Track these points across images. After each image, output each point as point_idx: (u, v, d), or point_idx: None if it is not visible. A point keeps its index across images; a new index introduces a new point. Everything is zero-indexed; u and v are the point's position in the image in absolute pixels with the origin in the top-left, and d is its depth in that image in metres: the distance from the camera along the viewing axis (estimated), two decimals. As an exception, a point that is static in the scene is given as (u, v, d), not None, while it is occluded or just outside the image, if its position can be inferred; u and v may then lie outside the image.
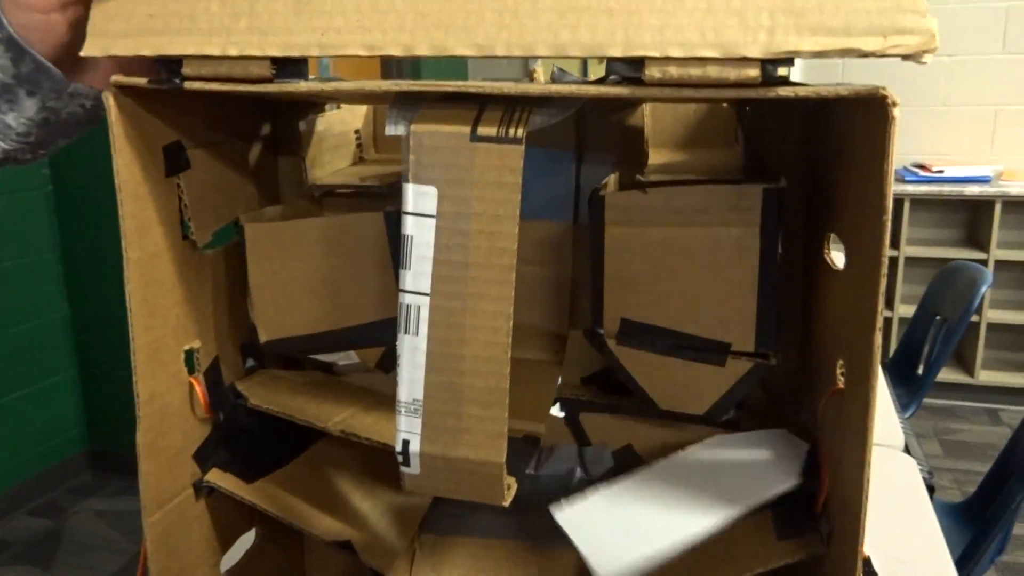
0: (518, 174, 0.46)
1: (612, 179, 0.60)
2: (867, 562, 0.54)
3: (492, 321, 0.48)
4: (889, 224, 0.44)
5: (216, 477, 0.60)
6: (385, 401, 0.59)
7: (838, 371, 0.51)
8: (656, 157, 0.64)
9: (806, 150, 0.58)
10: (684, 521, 0.55)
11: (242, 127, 0.63)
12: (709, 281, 0.54)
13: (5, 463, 3.03)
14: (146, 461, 0.54)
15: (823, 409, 0.53)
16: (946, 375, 3.54)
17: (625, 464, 0.68)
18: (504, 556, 0.67)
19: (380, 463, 0.67)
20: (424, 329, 0.49)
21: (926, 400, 3.64)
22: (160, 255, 0.54)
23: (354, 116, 0.75)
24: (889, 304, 3.54)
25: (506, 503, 0.51)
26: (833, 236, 0.54)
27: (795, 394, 0.63)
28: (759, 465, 0.56)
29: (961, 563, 1.54)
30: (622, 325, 0.57)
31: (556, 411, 0.69)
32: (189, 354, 0.59)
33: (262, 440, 0.64)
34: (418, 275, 0.48)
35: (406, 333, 0.49)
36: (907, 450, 1.40)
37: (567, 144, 0.66)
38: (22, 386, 3.08)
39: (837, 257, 0.54)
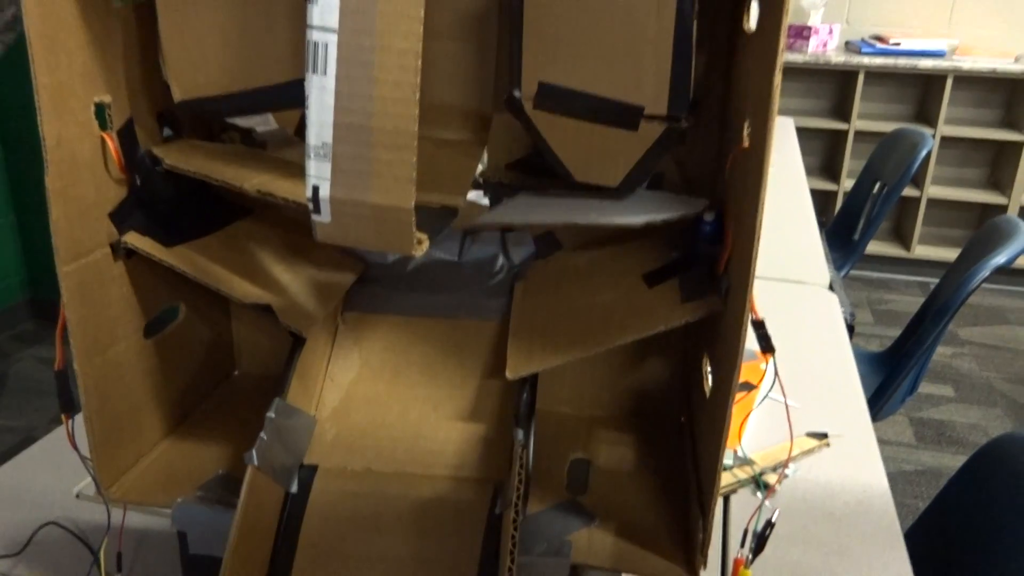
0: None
1: (537, -57, 0.58)
2: (760, 323, 0.57)
3: (400, 59, 0.47)
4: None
5: (134, 239, 0.60)
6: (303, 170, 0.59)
7: (745, 131, 0.52)
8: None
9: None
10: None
11: None
12: (625, 42, 0.54)
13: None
14: (56, 207, 0.54)
15: (729, 169, 0.54)
16: (883, 249, 3.64)
17: (545, 249, 0.70)
18: (424, 331, 0.69)
19: (300, 241, 0.68)
20: (332, 68, 0.48)
21: (862, 273, 3.76)
22: (61, -7, 0.52)
23: None
24: (835, 177, 3.59)
25: (416, 253, 0.52)
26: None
27: (711, 177, 0.64)
28: (656, 201, 0.58)
29: (873, 401, 1.64)
30: (539, 88, 0.57)
31: (481, 199, 0.70)
32: (100, 109, 0.57)
33: (181, 208, 0.63)
34: (325, 8, 0.47)
35: (314, 72, 0.48)
36: (831, 290, 1.46)
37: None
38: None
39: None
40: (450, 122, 0.66)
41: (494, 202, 0.68)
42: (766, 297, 1.37)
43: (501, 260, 0.71)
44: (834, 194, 3.60)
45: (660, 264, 0.61)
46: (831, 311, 1.36)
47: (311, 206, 0.51)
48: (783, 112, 3.65)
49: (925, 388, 2.80)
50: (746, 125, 0.51)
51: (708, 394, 0.61)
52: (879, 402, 1.63)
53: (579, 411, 0.76)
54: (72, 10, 0.53)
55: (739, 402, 1.03)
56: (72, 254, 0.56)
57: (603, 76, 0.55)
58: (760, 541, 0.66)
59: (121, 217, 0.60)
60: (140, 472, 0.66)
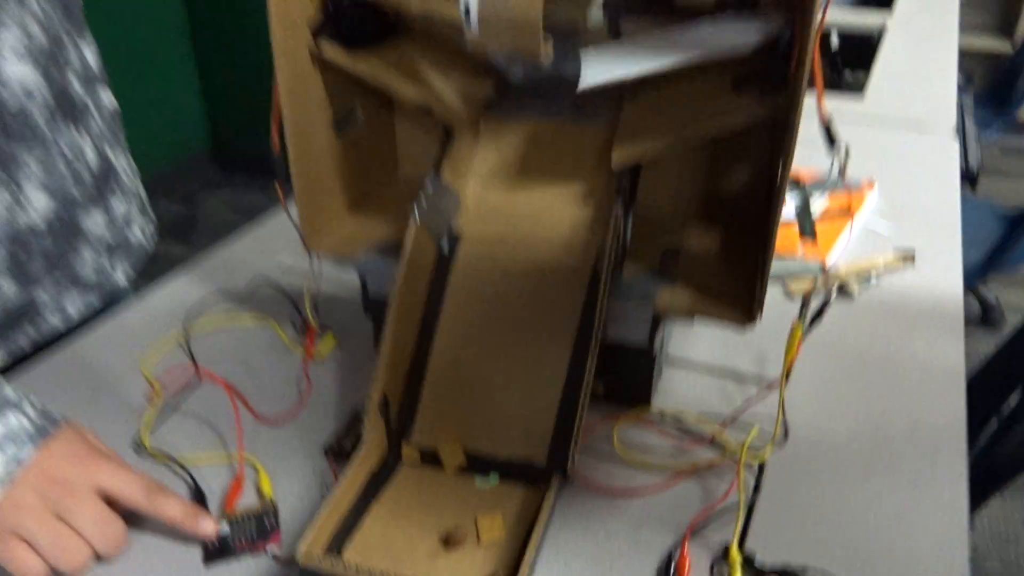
0: None
1: None
2: (827, 123, 0.69)
3: None
4: None
5: (326, 46, 0.78)
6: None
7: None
8: None
9: None
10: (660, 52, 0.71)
11: None
12: None
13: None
14: (275, 21, 0.72)
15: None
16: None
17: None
18: (550, 133, 0.84)
19: (452, 57, 0.84)
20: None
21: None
22: None
23: None
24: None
25: (543, 60, 0.67)
26: None
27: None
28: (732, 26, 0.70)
29: (997, 254, 1.67)
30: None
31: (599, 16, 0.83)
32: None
33: (361, 24, 0.81)
34: None
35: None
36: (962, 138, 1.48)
37: None
38: (145, 85, 3.37)
39: None
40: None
41: (611, 26, 0.81)
42: (880, 142, 1.43)
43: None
44: (1006, 58, 3.39)
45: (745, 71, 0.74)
46: (947, 158, 1.40)
47: (464, 18, 0.67)
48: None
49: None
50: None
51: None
52: (1001, 259, 1.66)
53: (675, 210, 0.90)
54: None
55: (833, 222, 1.14)
56: (286, 57, 0.74)
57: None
58: (817, 314, 0.79)
59: (316, 31, 0.78)
60: (331, 235, 0.87)
